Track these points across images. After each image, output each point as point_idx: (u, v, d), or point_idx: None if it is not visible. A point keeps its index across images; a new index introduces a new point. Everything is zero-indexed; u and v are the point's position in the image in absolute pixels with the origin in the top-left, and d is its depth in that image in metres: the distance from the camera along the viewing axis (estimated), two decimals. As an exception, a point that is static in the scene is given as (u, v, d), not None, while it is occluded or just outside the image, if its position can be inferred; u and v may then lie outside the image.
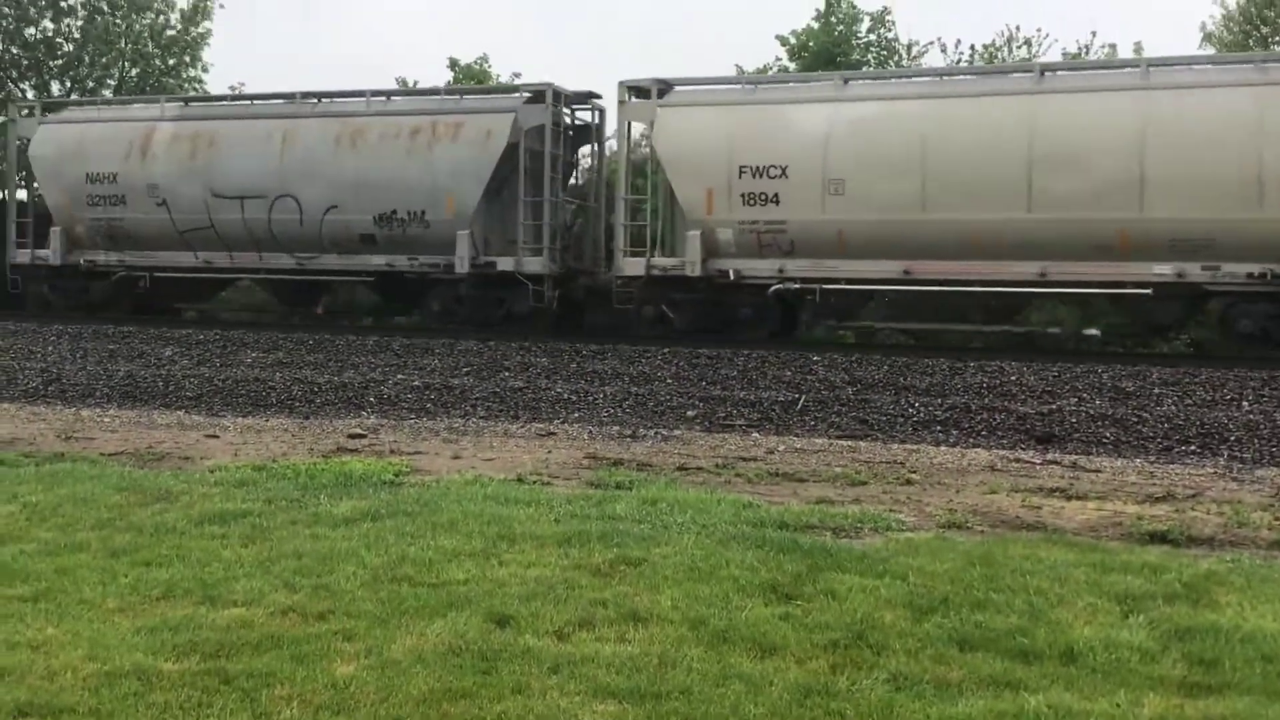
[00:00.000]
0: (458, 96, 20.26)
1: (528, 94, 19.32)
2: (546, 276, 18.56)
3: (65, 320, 19.75)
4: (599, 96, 19.80)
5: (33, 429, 10.29)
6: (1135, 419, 11.26)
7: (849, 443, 10.42)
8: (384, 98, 20.25)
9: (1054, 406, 11.94)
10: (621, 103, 18.69)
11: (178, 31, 32.88)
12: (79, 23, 32.02)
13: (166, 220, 20.55)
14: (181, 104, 22.09)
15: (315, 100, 20.51)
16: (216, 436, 10.08)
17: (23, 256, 21.92)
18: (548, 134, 18.63)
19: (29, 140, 22.20)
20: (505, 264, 18.69)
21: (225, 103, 20.88)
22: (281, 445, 9.52)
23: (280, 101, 20.85)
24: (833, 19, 26.22)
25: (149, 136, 20.76)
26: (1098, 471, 8.83)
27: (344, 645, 4.41)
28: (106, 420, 11.19)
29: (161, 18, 32.82)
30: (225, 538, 6.00)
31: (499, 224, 19.09)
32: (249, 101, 21.27)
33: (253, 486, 7.23)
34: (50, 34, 31.97)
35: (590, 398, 12.83)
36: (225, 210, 20.06)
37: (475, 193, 18.58)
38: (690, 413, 12.10)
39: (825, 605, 4.92)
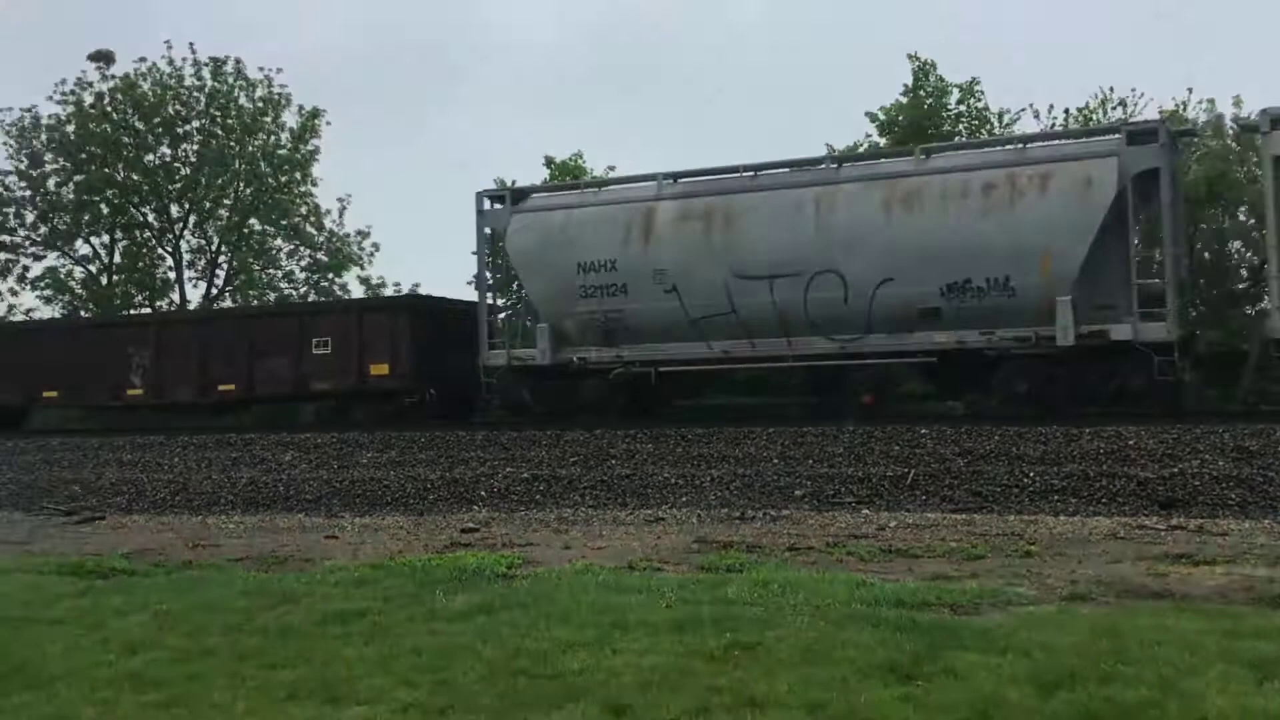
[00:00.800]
0: (1021, 146, 17.45)
1: (1130, 131, 16.69)
2: (1173, 344, 15.75)
3: (191, 432, 20.44)
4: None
5: (162, 538, 10.66)
6: (1261, 478, 10.87)
7: (963, 516, 10.24)
8: (925, 155, 17.87)
9: (1175, 470, 11.59)
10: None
11: (288, 150, 34.30)
12: (194, 148, 33.69)
13: (677, 308, 18.33)
14: (682, 180, 19.24)
15: (836, 165, 18.22)
16: (335, 537, 10.32)
17: (497, 358, 19.93)
18: (1164, 178, 16.23)
19: (497, 230, 20.46)
20: (1120, 332, 15.96)
21: (735, 175, 18.44)
22: (397, 543, 9.70)
23: (800, 170, 18.43)
24: (921, 92, 26.28)
25: (650, 216, 18.77)
26: (1225, 535, 8.54)
27: (465, 740, 4.46)
28: (231, 526, 11.53)
29: (273, 138, 34.32)
30: (346, 636, 6.12)
31: (1092, 286, 16.22)
32: (754, 174, 18.48)
33: (371, 585, 7.38)
34: (168, 159, 33.69)
35: (697, 481, 12.83)
36: (749, 292, 17.77)
37: (1078, 252, 16.04)
38: (798, 492, 12.02)
39: (947, 685, 4.82)
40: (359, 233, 35.06)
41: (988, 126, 26.03)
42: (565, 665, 5.35)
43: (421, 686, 5.15)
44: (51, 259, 34.18)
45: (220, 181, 33.58)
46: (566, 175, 27.94)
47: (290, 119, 34.28)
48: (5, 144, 33.60)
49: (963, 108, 26.32)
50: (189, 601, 7.09)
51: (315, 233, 34.93)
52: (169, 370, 23.35)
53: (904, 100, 26.41)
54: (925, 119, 25.71)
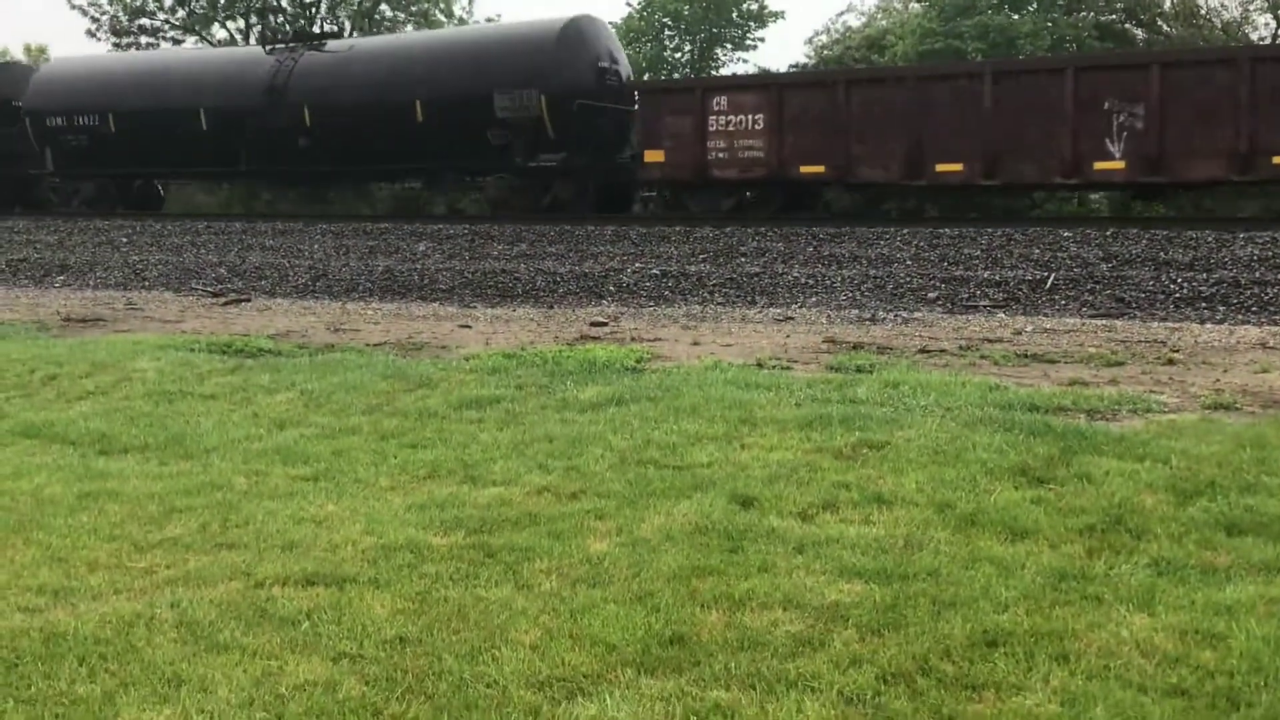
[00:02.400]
0: None
1: None
2: None
3: (329, 220, 20.94)
4: None
5: (304, 322, 11.04)
6: None
7: (1104, 322, 9.95)
8: None
9: (1336, 279, 11.02)
10: None
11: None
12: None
13: None
14: None
15: None
16: (469, 326, 10.55)
17: None
18: None
19: None
20: None
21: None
22: (529, 334, 9.88)
23: None
24: None
25: None
26: (1387, 348, 8.12)
27: (596, 523, 4.59)
28: (369, 313, 11.87)
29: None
30: (482, 422, 6.31)
31: None
32: None
33: (504, 374, 7.55)
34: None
35: (827, 281, 12.68)
36: None
37: None
38: (931, 294, 11.80)
39: (1080, 489, 4.76)
40: (488, 20, 34.63)
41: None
42: (693, 458, 5.43)
43: (554, 471, 5.31)
44: (190, 43, 34.66)
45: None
46: None
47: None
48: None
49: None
50: (332, 382, 7.37)
51: (445, 20, 34.59)
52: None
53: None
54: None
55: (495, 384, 7.22)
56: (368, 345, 9.26)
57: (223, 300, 13.34)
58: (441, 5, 34.23)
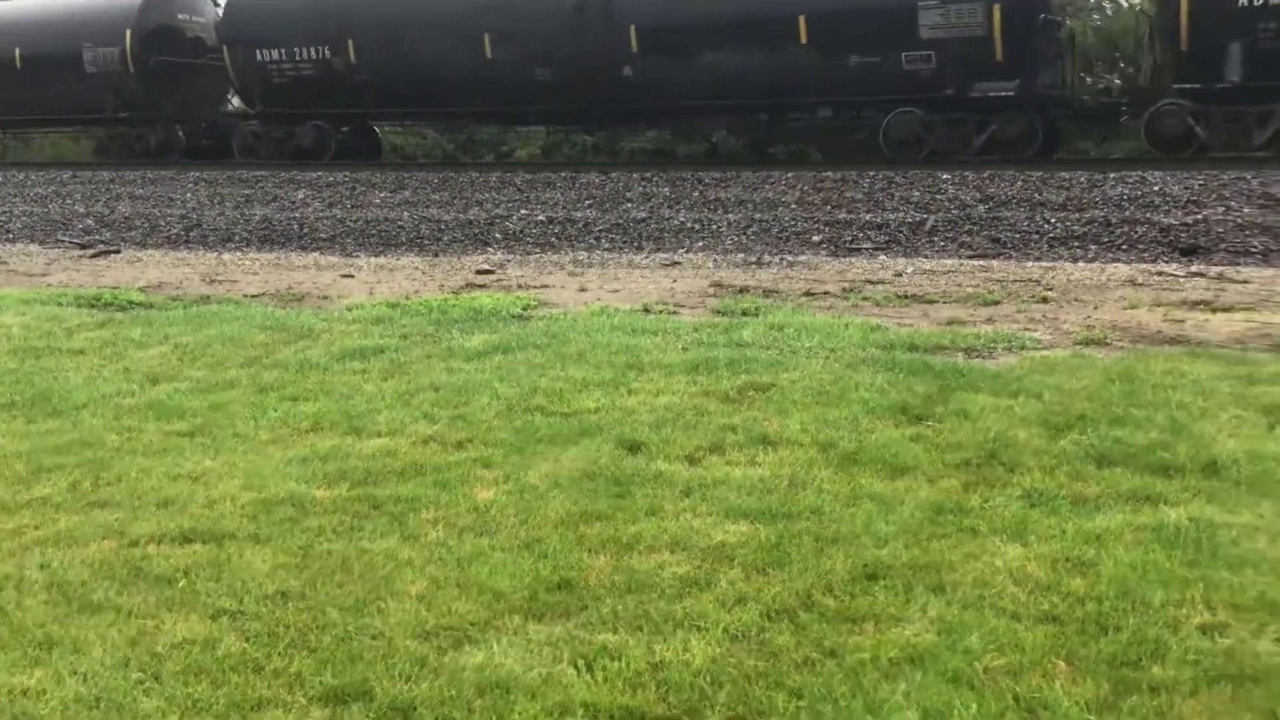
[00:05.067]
0: None
1: None
2: None
3: (201, 168, 20.27)
4: None
5: (178, 273, 10.70)
6: (1288, 227, 10.72)
7: (981, 262, 10.18)
8: None
9: (1199, 216, 11.44)
10: None
11: None
12: None
13: None
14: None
15: None
16: (351, 276, 10.34)
17: None
18: None
19: None
20: None
21: None
22: (413, 283, 9.72)
23: None
24: None
25: None
26: (1245, 282, 8.47)
27: (483, 472, 4.56)
28: (247, 263, 11.55)
29: None
30: (365, 372, 6.20)
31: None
32: None
33: (388, 323, 7.42)
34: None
35: (714, 226, 12.73)
36: None
37: None
38: (815, 238, 11.93)
39: (957, 425, 4.88)
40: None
41: None
42: (581, 404, 5.42)
43: (440, 421, 5.24)
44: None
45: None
46: None
47: None
48: None
49: None
50: (208, 335, 7.16)
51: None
52: None
53: None
54: None
55: (379, 334, 7.10)
56: (245, 296, 9.02)
57: (91, 252, 12.85)
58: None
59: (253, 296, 9.03)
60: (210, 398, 5.80)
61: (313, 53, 20.65)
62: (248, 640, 3.22)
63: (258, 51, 20.96)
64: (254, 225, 14.54)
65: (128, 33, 21.94)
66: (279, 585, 3.56)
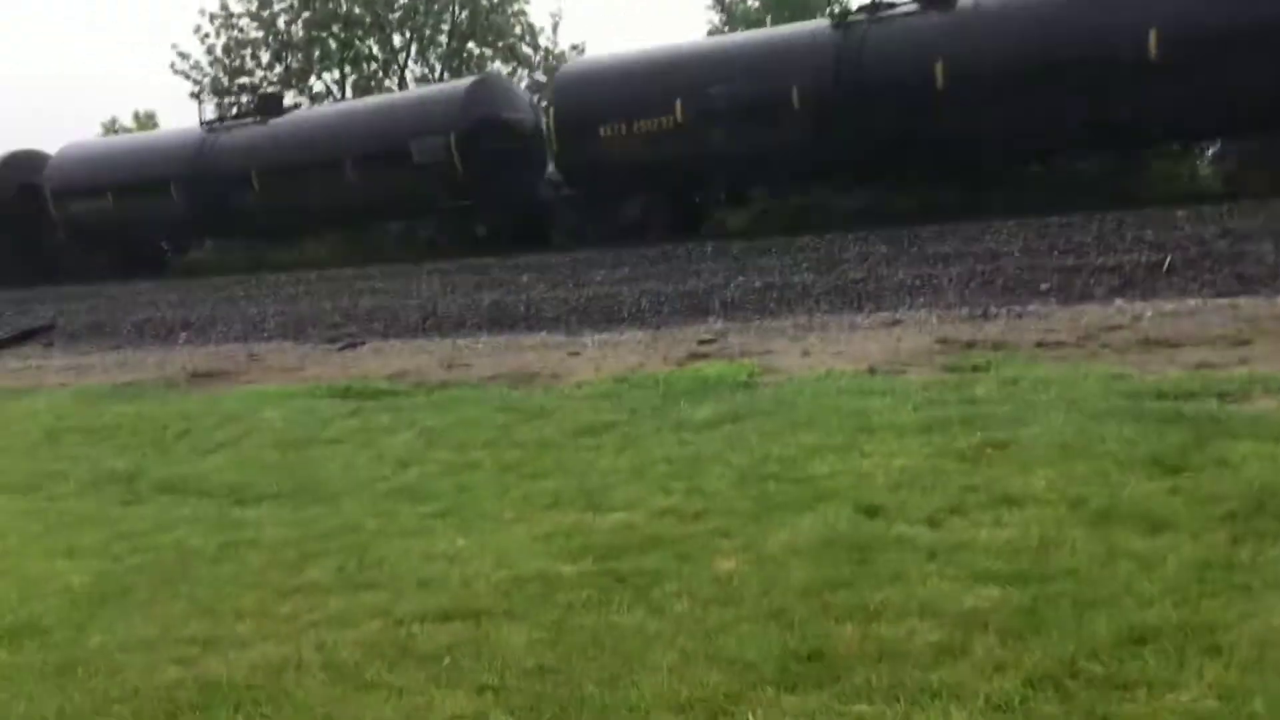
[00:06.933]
0: None
1: None
2: None
3: (435, 259, 21.30)
4: None
5: (419, 361, 11.25)
6: None
7: (1227, 301, 9.62)
8: None
9: None
10: None
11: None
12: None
13: None
14: None
15: None
16: (578, 353, 10.64)
17: None
18: None
19: None
20: None
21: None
22: (637, 356, 9.93)
23: None
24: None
25: None
26: None
27: (722, 542, 4.60)
28: (480, 347, 12.05)
29: (484, -41, 34.42)
30: (599, 448, 6.36)
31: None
32: None
33: (617, 398, 7.60)
34: (388, -11, 34.35)
35: (934, 281, 12.49)
36: None
37: None
38: (1044, 286, 11.54)
39: (1217, 475, 4.62)
40: (573, 48, 34.96)
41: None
42: (814, 469, 5.40)
43: (675, 493, 5.32)
44: (289, 97, 35.72)
45: (436, 7, 34.07)
46: None
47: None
48: (238, -13, 34.97)
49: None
50: (450, 418, 7.50)
51: (531, 52, 35.10)
52: None
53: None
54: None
55: (609, 409, 7.27)
56: (481, 379, 9.40)
57: (339, 345, 13.68)
58: (527, 39, 34.77)
59: (488, 379, 9.40)
60: (457, 479, 6.07)
61: (653, 123, 19.15)
62: (512, 714, 3.33)
63: (601, 128, 19.55)
64: (484, 310, 15.16)
65: (452, 128, 21.50)
66: (536, 660, 3.67)
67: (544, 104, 22.99)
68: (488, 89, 22.74)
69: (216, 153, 24.14)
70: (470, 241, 21.53)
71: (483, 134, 21.52)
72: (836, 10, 21.05)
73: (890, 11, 17.72)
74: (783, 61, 18.34)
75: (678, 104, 18.68)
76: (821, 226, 17.90)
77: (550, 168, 22.26)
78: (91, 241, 26.16)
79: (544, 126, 22.04)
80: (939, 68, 16.45)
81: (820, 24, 19.59)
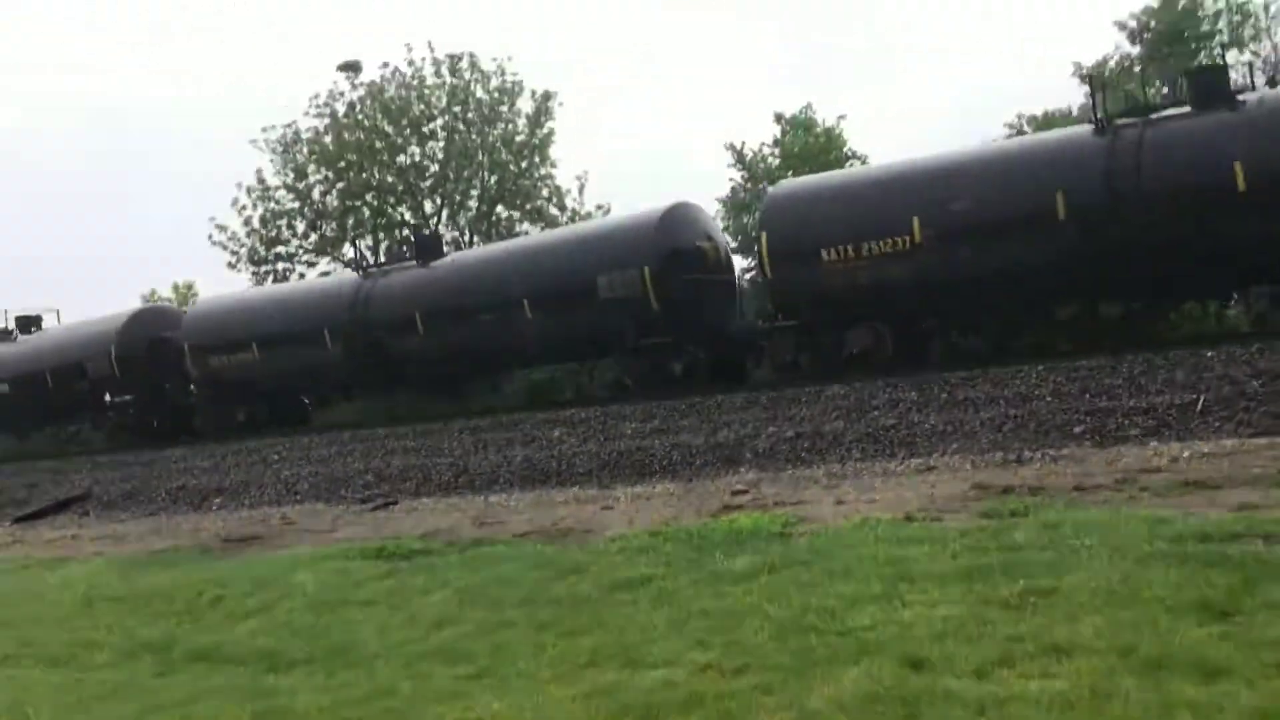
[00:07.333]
0: None
1: None
2: None
3: (465, 416, 21.36)
4: None
5: (451, 519, 11.23)
6: None
7: (1264, 440, 9.52)
8: None
9: None
10: None
11: (525, 136, 35.44)
12: (440, 144, 35.28)
13: None
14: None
15: None
16: (610, 507, 10.60)
17: None
18: None
19: None
20: None
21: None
22: (670, 509, 9.87)
23: None
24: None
25: None
26: None
27: (764, 699, 4.50)
28: (512, 504, 12.04)
29: (510, 125, 35.52)
30: (635, 603, 6.28)
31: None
32: None
33: (652, 552, 7.54)
34: (418, 158, 35.46)
35: (966, 426, 12.44)
36: None
37: None
38: (1077, 428, 11.48)
39: (1270, 619, 4.50)
40: (598, 207, 35.77)
41: (1252, 22, 23.94)
42: (855, 621, 5.30)
43: (714, 648, 5.23)
44: (323, 264, 36.54)
45: (466, 174, 35.08)
46: None
47: (525, 105, 35.33)
48: (272, 160, 36.16)
49: (1222, 2, 24.23)
50: (484, 577, 7.45)
51: (558, 213, 35.92)
52: None
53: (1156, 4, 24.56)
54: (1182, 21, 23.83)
55: (644, 563, 7.20)
56: (514, 536, 9.36)
57: (371, 505, 13.69)
58: (554, 200, 35.65)
59: (521, 535, 9.35)
60: (492, 638, 5.99)
61: (881, 245, 17.78)
62: None
63: (823, 251, 18.12)
64: (515, 465, 15.17)
65: (645, 260, 19.87)
66: (576, 827, 3.57)
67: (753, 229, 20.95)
68: (680, 216, 20.83)
69: (375, 298, 23.01)
70: (665, 381, 19.59)
71: (678, 265, 19.93)
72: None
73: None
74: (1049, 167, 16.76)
75: (915, 222, 17.38)
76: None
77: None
78: (231, 396, 25.20)
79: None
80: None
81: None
